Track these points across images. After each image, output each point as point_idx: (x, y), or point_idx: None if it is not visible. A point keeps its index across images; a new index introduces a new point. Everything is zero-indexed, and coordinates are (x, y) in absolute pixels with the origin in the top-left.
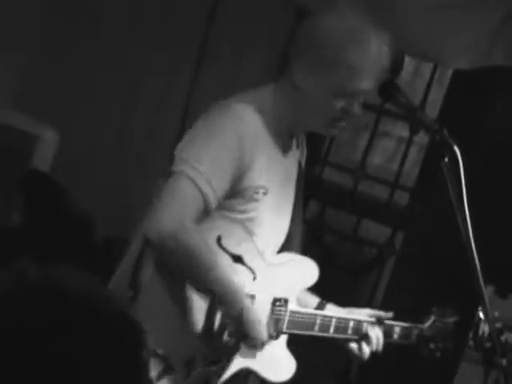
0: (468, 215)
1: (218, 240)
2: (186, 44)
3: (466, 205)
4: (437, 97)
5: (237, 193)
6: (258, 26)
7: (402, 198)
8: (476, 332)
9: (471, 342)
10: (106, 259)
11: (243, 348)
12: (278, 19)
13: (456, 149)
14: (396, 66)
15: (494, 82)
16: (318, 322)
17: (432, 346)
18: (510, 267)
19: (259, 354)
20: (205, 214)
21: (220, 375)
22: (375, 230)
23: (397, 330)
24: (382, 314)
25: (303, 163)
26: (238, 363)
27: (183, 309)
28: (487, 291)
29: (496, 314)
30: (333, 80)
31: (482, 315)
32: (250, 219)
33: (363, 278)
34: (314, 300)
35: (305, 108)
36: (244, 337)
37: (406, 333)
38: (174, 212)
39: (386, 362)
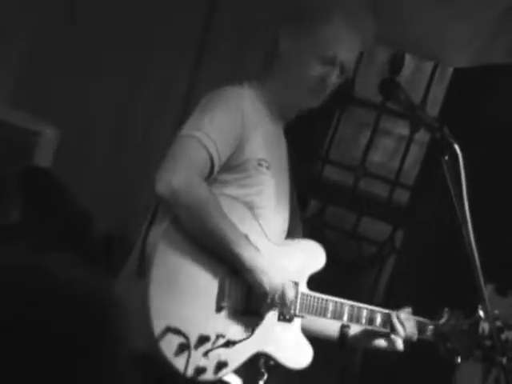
0: (468, 213)
1: None
2: (186, 42)
3: (467, 203)
4: (438, 94)
5: (239, 165)
6: (258, 25)
7: (403, 196)
8: (476, 330)
9: None
10: (105, 256)
11: (259, 332)
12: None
13: (456, 147)
14: (397, 64)
15: (494, 79)
16: (331, 307)
17: (449, 344)
18: (510, 265)
19: (275, 339)
20: (207, 178)
21: (236, 356)
22: (375, 228)
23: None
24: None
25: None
26: (253, 347)
27: (196, 284)
28: (487, 289)
29: (496, 312)
30: (310, 43)
31: (481, 313)
32: (257, 194)
33: (363, 276)
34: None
35: (287, 76)
36: (263, 294)
37: (420, 327)
38: (184, 167)
39: (387, 357)
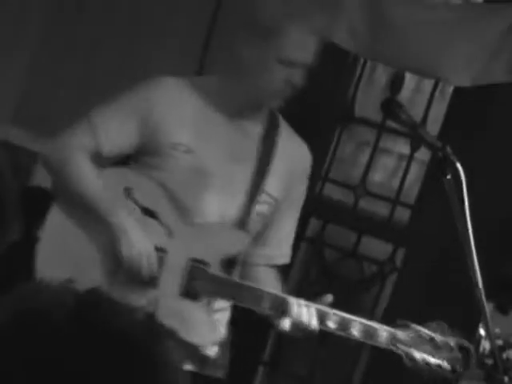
0: (470, 232)
1: (127, 191)
2: (188, 51)
3: (469, 221)
4: (438, 112)
5: (155, 149)
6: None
7: (404, 215)
8: (477, 349)
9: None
10: None
11: (160, 303)
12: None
13: (458, 166)
14: (397, 83)
15: (495, 97)
16: (246, 293)
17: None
18: (511, 283)
19: (176, 312)
20: (97, 157)
21: None
22: (376, 247)
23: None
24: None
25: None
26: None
27: (87, 249)
28: (488, 307)
29: (497, 330)
30: (269, 48)
31: (482, 332)
32: (168, 177)
33: (364, 295)
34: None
35: (250, 79)
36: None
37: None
38: (62, 139)
39: (387, 375)
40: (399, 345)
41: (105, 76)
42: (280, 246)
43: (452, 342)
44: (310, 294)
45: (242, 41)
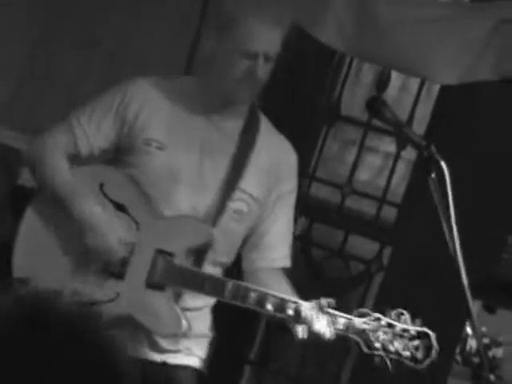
0: (455, 231)
1: (101, 186)
2: (177, 48)
3: (454, 220)
4: (425, 111)
5: (128, 146)
6: None
7: (390, 214)
8: (463, 347)
9: (459, 358)
10: None
11: (126, 295)
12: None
13: (443, 165)
14: (383, 82)
15: (482, 96)
16: (207, 284)
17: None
18: (497, 282)
19: (142, 303)
20: (77, 155)
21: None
22: (363, 246)
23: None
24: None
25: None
26: (117, 309)
27: (60, 241)
28: (475, 306)
29: (483, 329)
30: (231, 41)
31: (469, 330)
32: (141, 172)
33: (350, 294)
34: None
35: (215, 73)
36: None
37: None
38: (42, 138)
39: (376, 371)
40: (356, 332)
41: (96, 76)
42: (275, 248)
43: (413, 329)
44: (296, 292)
45: (210, 35)
